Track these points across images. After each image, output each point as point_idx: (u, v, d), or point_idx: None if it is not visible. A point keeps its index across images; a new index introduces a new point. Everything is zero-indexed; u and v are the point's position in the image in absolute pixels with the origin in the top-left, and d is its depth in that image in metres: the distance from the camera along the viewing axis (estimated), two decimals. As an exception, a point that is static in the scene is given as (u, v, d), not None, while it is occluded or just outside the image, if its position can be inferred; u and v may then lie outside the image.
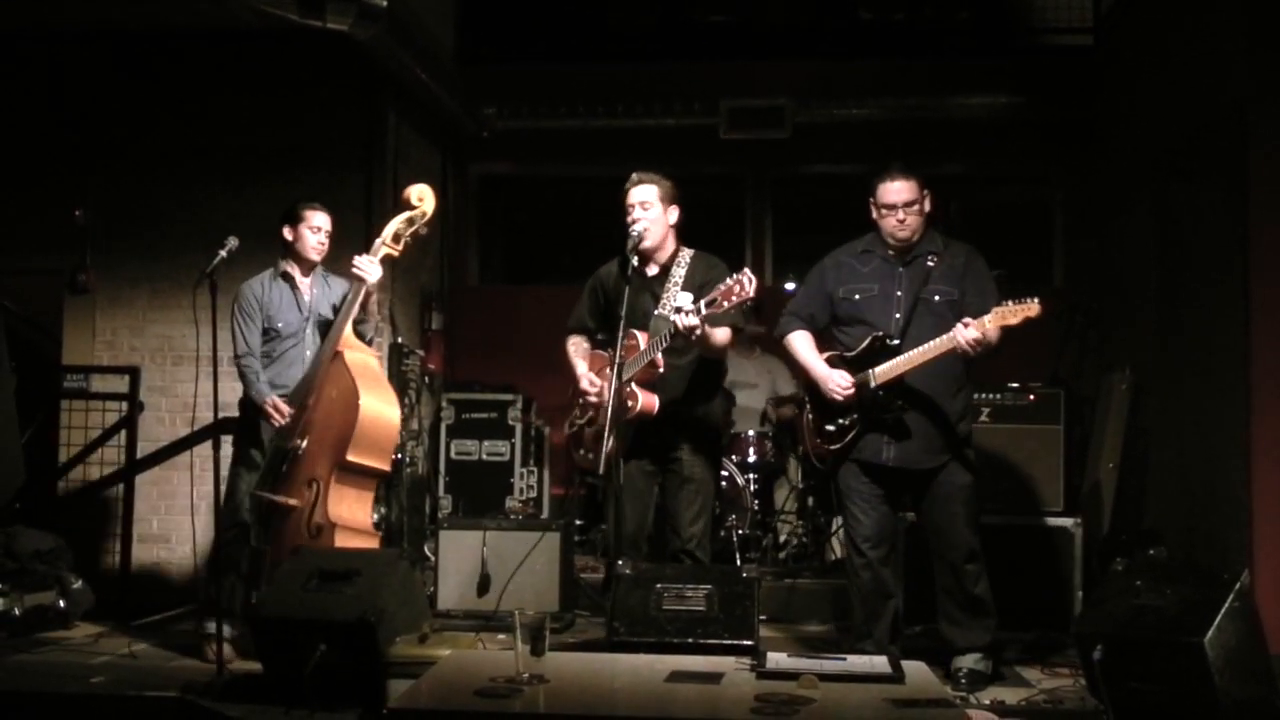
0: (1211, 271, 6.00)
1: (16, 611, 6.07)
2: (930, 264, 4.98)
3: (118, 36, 7.80)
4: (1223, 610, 4.17)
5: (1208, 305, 6.05)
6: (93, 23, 7.69)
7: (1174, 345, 6.55)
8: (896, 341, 4.89)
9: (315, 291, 5.77)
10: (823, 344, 5.18)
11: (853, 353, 5.02)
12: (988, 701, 4.72)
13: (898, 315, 4.96)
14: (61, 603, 6.33)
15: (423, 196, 5.69)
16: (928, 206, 5.03)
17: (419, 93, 8.08)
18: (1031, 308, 4.57)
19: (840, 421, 5.03)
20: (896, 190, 4.98)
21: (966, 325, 4.64)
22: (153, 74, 7.88)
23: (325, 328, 5.66)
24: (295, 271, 5.75)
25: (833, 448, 5.06)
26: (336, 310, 5.65)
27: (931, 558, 5.08)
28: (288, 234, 5.71)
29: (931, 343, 4.76)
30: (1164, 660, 4.19)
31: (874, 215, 5.07)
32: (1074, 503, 6.55)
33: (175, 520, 7.64)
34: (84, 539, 7.22)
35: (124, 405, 7.35)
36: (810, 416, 5.19)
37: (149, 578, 7.63)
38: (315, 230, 5.70)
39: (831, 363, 5.06)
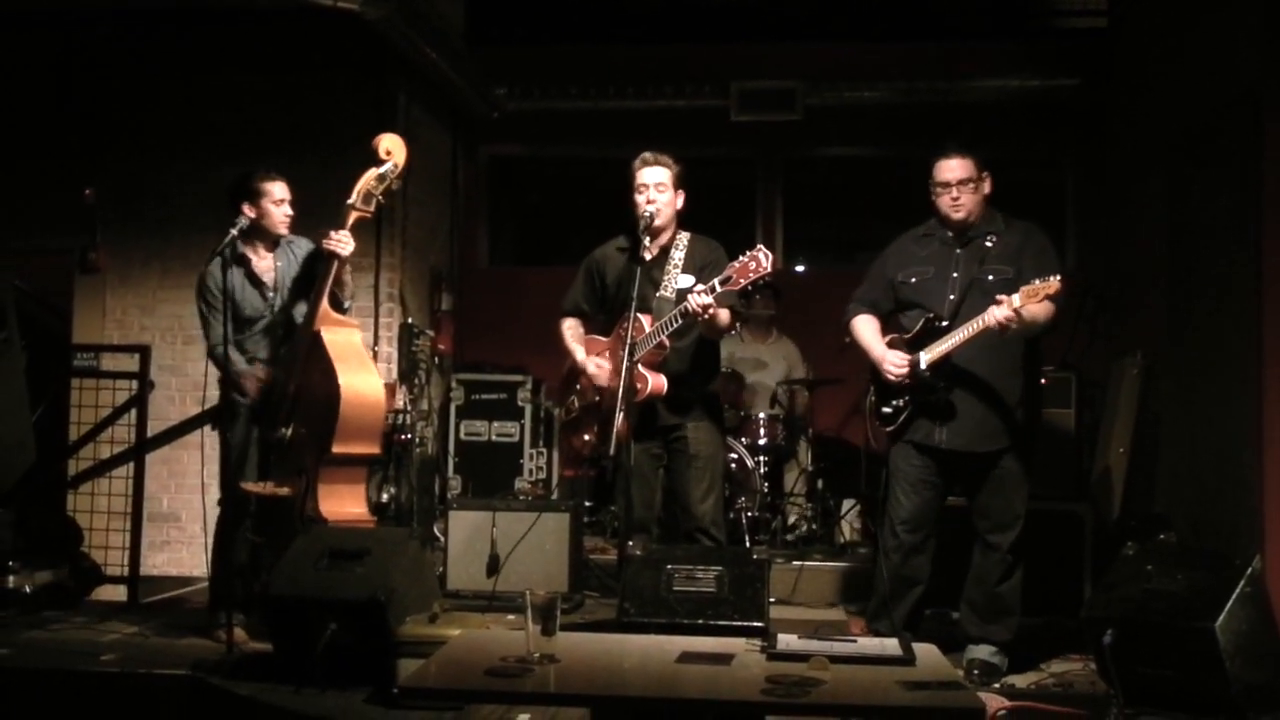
0: (1224, 256, 5.97)
1: (27, 589, 6.07)
2: (989, 244, 4.96)
3: (126, 15, 7.78)
4: (1234, 595, 4.16)
5: (1220, 290, 6.02)
6: (101, 2, 7.67)
7: (1186, 330, 6.53)
8: (945, 323, 4.89)
9: (280, 265, 5.50)
10: (889, 329, 5.19)
11: (909, 334, 5.03)
12: (997, 685, 4.72)
13: (952, 296, 4.94)
14: (72, 581, 6.34)
15: (391, 149, 5.42)
16: (987, 188, 5.01)
17: (429, 73, 8.06)
18: (1051, 285, 4.57)
19: (895, 403, 5.04)
20: (951, 168, 4.97)
21: (999, 303, 4.64)
22: (162, 53, 7.87)
23: (293, 302, 5.47)
24: (254, 252, 5.48)
25: (888, 429, 5.08)
26: (305, 276, 5.45)
27: (974, 543, 5.05)
28: (249, 211, 5.37)
29: (971, 323, 4.75)
30: (1175, 645, 4.19)
31: (933, 196, 5.05)
32: (1084, 487, 6.54)
33: (185, 499, 7.67)
34: (94, 518, 7.24)
35: (134, 384, 7.32)
36: (872, 399, 5.20)
37: (159, 556, 7.65)
38: (279, 203, 5.43)
39: (892, 345, 5.06)
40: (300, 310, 5.47)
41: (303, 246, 5.56)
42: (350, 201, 5.35)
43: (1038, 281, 4.60)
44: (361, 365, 5.34)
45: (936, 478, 5.03)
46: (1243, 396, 5.64)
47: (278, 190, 5.44)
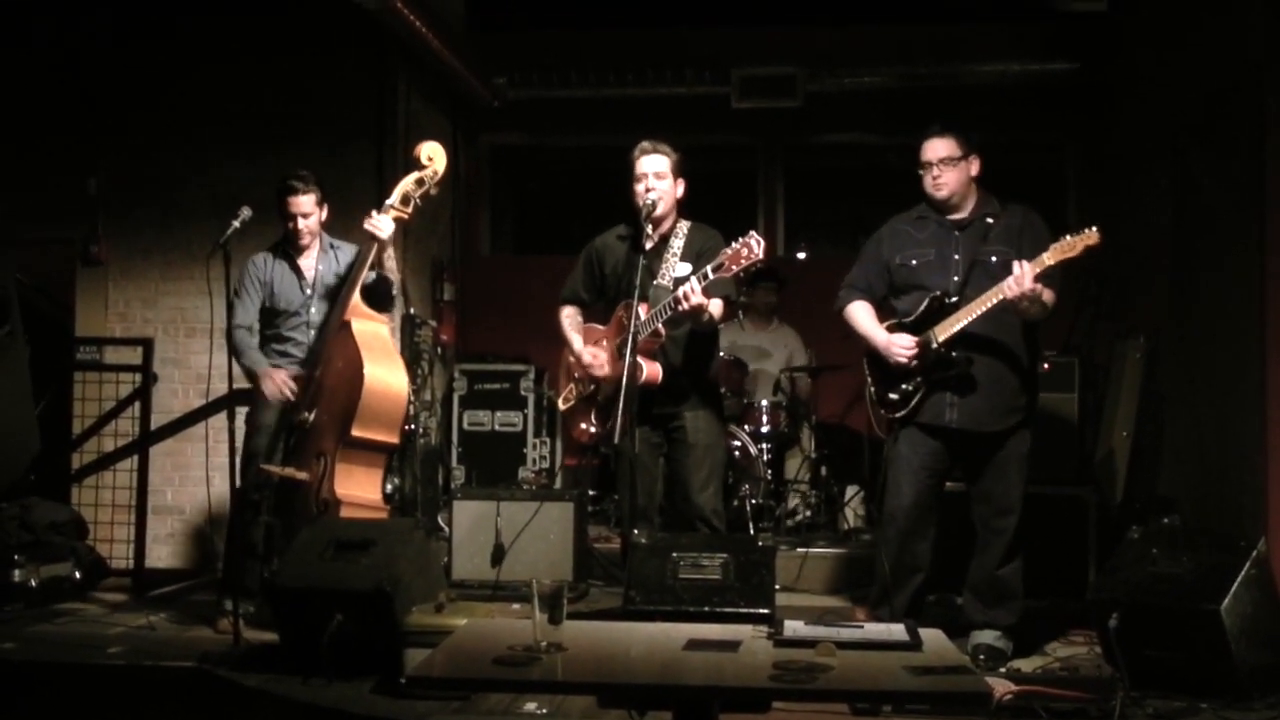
0: (1228, 238, 5.96)
1: (33, 583, 6.08)
2: (989, 223, 4.94)
3: (128, 3, 7.75)
4: (1239, 577, 4.17)
5: (1224, 272, 6.01)
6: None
7: (1189, 312, 6.52)
8: (954, 299, 4.84)
9: (320, 267, 5.65)
10: (881, 316, 5.13)
11: (911, 317, 4.96)
12: (1003, 670, 4.73)
13: (956, 278, 4.90)
14: (77, 574, 6.35)
15: (432, 156, 5.53)
16: (974, 170, 4.98)
17: (430, 61, 8.04)
18: (1091, 236, 4.52)
19: (904, 387, 4.96)
20: (932, 147, 4.95)
21: (1019, 264, 4.60)
22: (164, 41, 7.83)
23: (329, 302, 5.57)
24: (297, 249, 5.65)
25: (896, 415, 4.98)
26: (344, 278, 5.56)
27: (977, 526, 5.02)
28: (280, 216, 5.61)
29: (988, 294, 4.70)
30: (1180, 627, 4.20)
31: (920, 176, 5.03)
32: (1088, 471, 6.53)
33: (189, 491, 7.66)
34: (98, 511, 7.25)
35: (137, 377, 7.35)
36: (872, 389, 5.11)
37: (163, 549, 7.66)
38: (294, 217, 5.57)
39: (891, 330, 5.00)
40: (326, 308, 5.59)
41: (346, 252, 5.68)
42: (389, 202, 5.47)
43: (1069, 237, 4.56)
44: (388, 356, 5.45)
45: (938, 463, 5.00)
46: (1247, 379, 5.63)
47: (291, 205, 5.56)
